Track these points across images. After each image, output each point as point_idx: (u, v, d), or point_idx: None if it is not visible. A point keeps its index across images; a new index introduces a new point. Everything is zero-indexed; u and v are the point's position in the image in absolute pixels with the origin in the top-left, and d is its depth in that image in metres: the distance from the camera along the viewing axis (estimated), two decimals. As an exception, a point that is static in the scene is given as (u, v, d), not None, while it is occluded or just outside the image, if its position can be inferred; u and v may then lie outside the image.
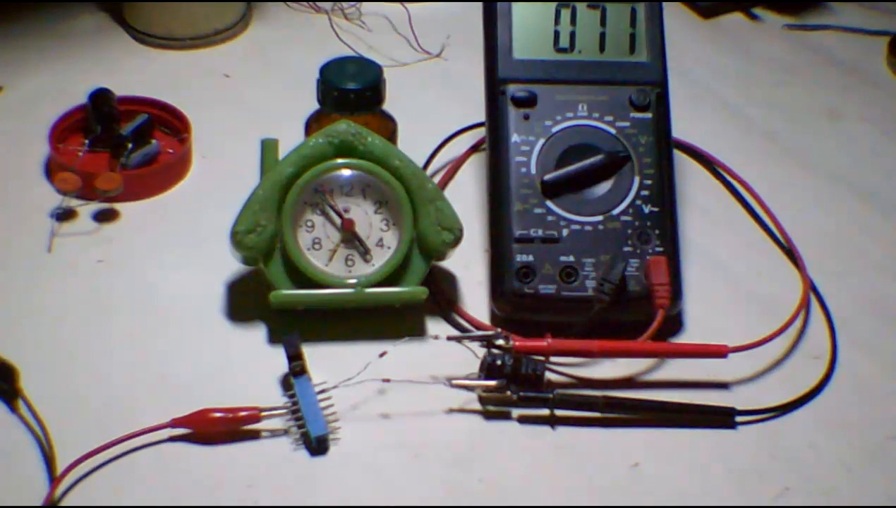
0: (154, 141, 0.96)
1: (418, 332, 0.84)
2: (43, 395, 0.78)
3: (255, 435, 0.77)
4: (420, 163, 0.90)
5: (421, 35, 1.11)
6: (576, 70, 0.90)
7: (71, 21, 1.12)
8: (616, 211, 0.86)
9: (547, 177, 0.86)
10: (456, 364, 0.81)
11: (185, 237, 0.91)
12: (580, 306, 0.83)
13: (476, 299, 0.87)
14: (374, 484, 0.75)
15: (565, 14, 0.90)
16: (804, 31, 1.18)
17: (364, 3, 1.15)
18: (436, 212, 0.84)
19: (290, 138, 0.86)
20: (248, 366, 0.82)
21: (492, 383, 0.79)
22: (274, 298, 0.82)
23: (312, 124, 0.91)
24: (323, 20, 1.13)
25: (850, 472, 0.78)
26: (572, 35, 0.90)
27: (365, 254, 0.84)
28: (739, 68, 1.13)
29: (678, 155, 0.99)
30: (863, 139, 1.05)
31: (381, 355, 0.78)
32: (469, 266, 0.89)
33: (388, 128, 0.91)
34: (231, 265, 0.85)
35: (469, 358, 0.81)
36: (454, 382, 0.79)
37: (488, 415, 0.80)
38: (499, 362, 0.79)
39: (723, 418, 0.80)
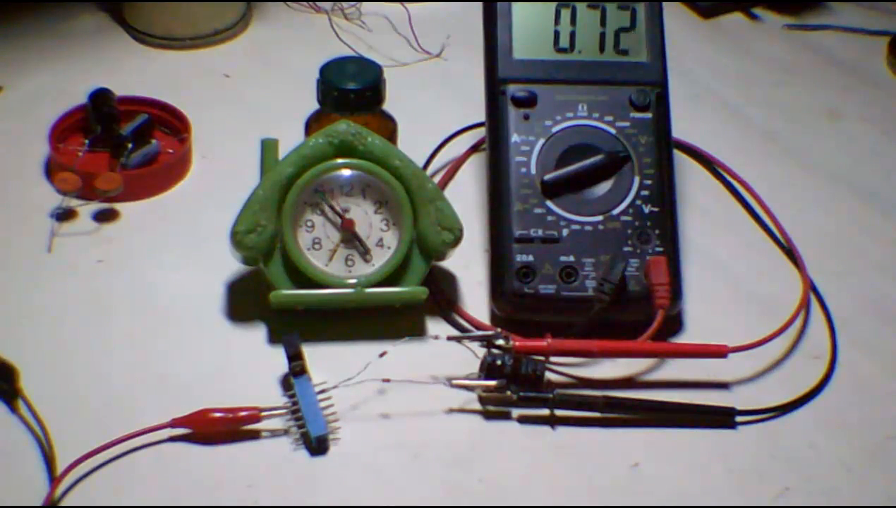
0: (154, 141, 0.96)
1: (418, 332, 0.84)
2: (43, 395, 0.78)
3: (255, 435, 0.77)
4: (420, 163, 0.90)
5: (421, 35, 1.11)
6: (576, 70, 0.90)
7: (71, 21, 1.12)
8: (616, 211, 0.86)
9: (547, 177, 0.86)
10: (456, 364, 0.81)
11: (185, 237, 0.91)
12: (580, 306, 0.83)
13: (476, 299, 0.87)
14: (374, 484, 0.75)
15: (565, 14, 0.90)
16: (804, 31, 1.18)
17: (364, 3, 1.15)
18: (436, 212, 0.84)
19: (290, 138, 0.86)
20: (248, 366, 0.82)
21: (492, 383, 0.79)
22: (274, 298, 0.82)
23: (312, 124, 0.91)
24: (323, 20, 1.13)
25: (850, 472, 0.78)
26: (572, 35, 0.90)
27: (365, 253, 0.84)
28: (739, 68, 1.13)
29: (678, 155, 0.99)
30: (863, 139, 1.05)
31: (381, 355, 0.78)
32: (469, 266, 0.89)
33: (388, 128, 0.91)
34: (231, 265, 0.85)
35: (469, 358, 0.81)
36: (454, 382, 0.79)
37: (488, 415, 0.80)
38: (499, 362, 0.79)
39: (723, 418, 0.80)
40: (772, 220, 0.95)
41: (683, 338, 0.85)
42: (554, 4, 0.90)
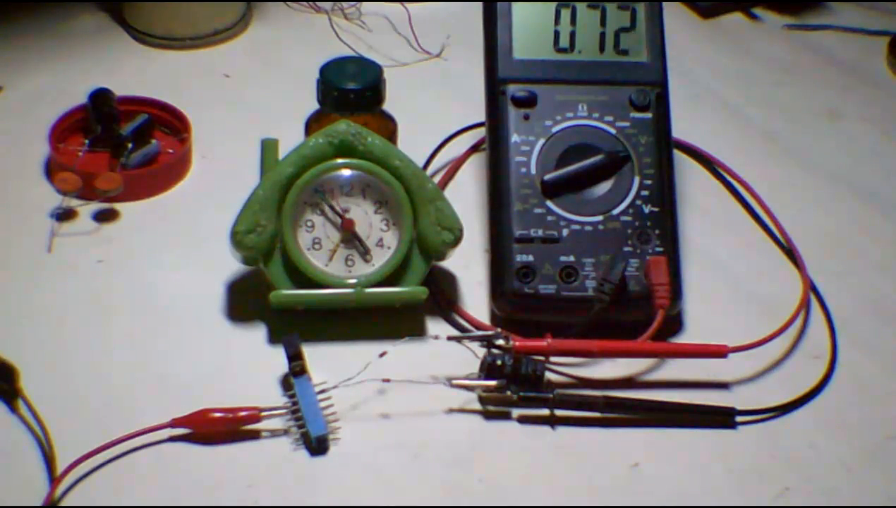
0: (154, 141, 0.96)
1: (418, 332, 0.84)
2: (43, 395, 0.78)
3: (255, 435, 0.77)
4: (420, 163, 0.90)
5: (421, 35, 1.11)
6: (576, 70, 0.90)
7: (71, 21, 1.12)
8: (616, 211, 0.86)
9: (547, 177, 0.86)
10: (456, 364, 0.81)
11: (185, 237, 0.91)
12: (580, 306, 0.83)
13: (476, 299, 0.87)
14: (374, 484, 0.75)
15: (565, 14, 0.90)
16: (804, 31, 1.18)
17: (364, 3, 1.15)
18: (436, 212, 0.84)
19: (290, 138, 0.86)
20: (248, 366, 0.82)
21: (492, 383, 0.79)
22: (274, 298, 0.82)
23: (312, 124, 0.91)
24: (323, 20, 1.13)
25: (850, 472, 0.78)
26: (572, 35, 0.90)
27: (365, 254, 0.84)
28: (739, 68, 1.13)
29: (678, 155, 0.99)
30: (863, 139, 1.05)
31: (381, 355, 0.78)
32: (469, 266, 0.89)
33: (388, 128, 0.91)
34: (231, 265, 0.85)
35: (469, 358, 0.81)
36: (454, 382, 0.79)
37: (488, 415, 0.80)
38: (499, 362, 0.79)
39: (723, 418, 0.80)
40: (772, 220, 0.95)
41: (683, 338, 0.85)
42: (554, 4, 0.90)
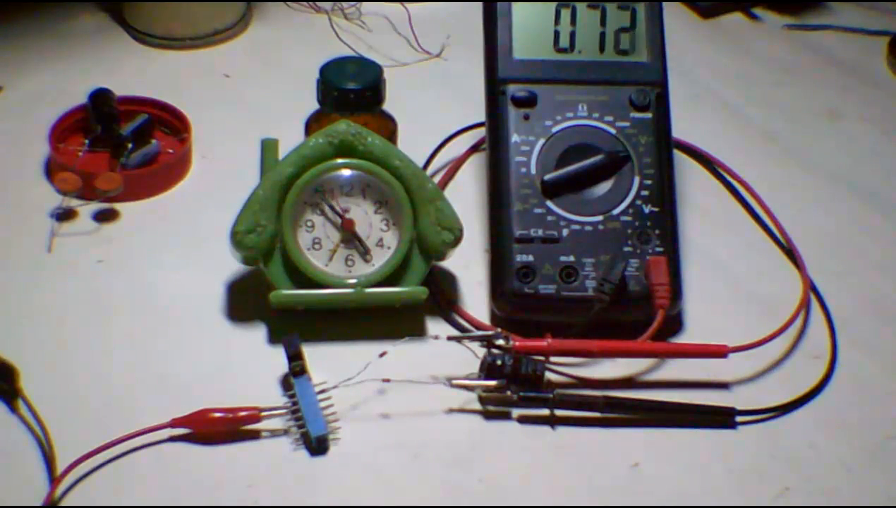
0: (154, 141, 0.96)
1: (418, 332, 0.84)
2: (43, 395, 0.78)
3: (255, 435, 0.77)
4: (420, 163, 0.90)
5: (421, 35, 1.11)
6: (576, 70, 0.90)
7: (71, 21, 1.12)
8: (616, 211, 0.86)
9: (547, 177, 0.86)
10: (456, 364, 0.81)
11: (185, 237, 0.91)
12: (580, 306, 0.83)
13: (476, 299, 0.87)
14: (374, 484, 0.75)
15: (565, 14, 0.90)
16: (804, 31, 1.18)
17: (364, 3, 1.15)
18: (436, 212, 0.84)
19: (290, 138, 0.86)
20: (248, 366, 0.82)
21: (492, 383, 0.79)
22: (274, 298, 0.82)
23: (312, 124, 0.91)
24: (323, 20, 1.13)
25: (850, 472, 0.78)
26: (572, 35, 0.90)
27: (365, 254, 0.84)
28: (739, 68, 1.13)
29: (678, 155, 0.99)
30: (863, 139, 1.05)
31: (381, 355, 0.78)
32: (469, 266, 0.89)
33: (388, 128, 0.91)
34: (231, 265, 0.85)
35: (469, 358, 0.81)
36: (454, 382, 0.79)
37: (488, 415, 0.80)
38: (499, 362, 0.79)
39: (723, 418, 0.80)
40: (772, 220, 0.95)
41: (683, 338, 0.85)
42: (554, 4, 0.90)
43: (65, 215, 0.91)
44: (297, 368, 0.78)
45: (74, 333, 0.83)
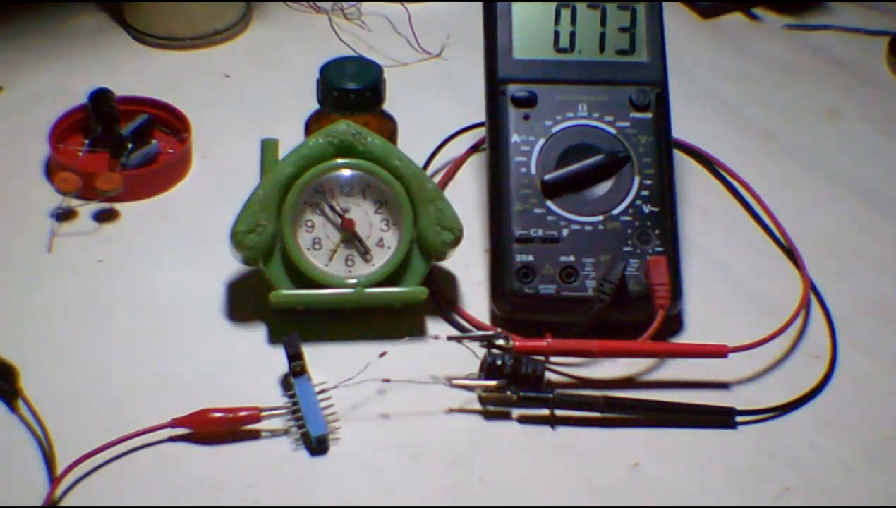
0: (154, 141, 0.96)
1: (418, 332, 0.84)
2: (43, 395, 0.78)
3: (255, 435, 0.77)
4: (420, 163, 0.90)
5: (421, 35, 1.11)
6: (576, 70, 0.90)
7: (71, 21, 1.12)
8: (616, 211, 0.86)
9: (547, 177, 0.86)
10: (456, 364, 0.81)
11: (185, 237, 0.91)
12: (580, 306, 0.83)
13: (476, 299, 0.87)
14: (374, 484, 0.75)
15: (565, 14, 0.90)
16: (804, 31, 1.18)
17: (364, 3, 1.15)
18: (436, 212, 0.84)
19: (290, 138, 0.86)
20: (248, 366, 0.82)
21: (492, 383, 0.79)
22: (274, 298, 0.82)
23: (312, 124, 0.91)
24: (323, 20, 1.13)
25: (850, 472, 0.78)
26: (572, 35, 0.90)
27: (365, 254, 0.84)
28: (739, 68, 1.13)
29: (678, 155, 0.99)
30: (863, 139, 1.05)
31: (381, 355, 0.78)
32: (469, 266, 0.89)
33: (388, 128, 0.91)
34: (231, 265, 0.85)
35: (469, 358, 0.81)
36: (454, 382, 0.79)
37: (488, 415, 0.80)
38: (499, 362, 0.79)
39: (723, 418, 0.80)
40: (772, 220, 0.95)
41: (683, 338, 0.85)
42: (554, 4, 0.90)
43: (65, 215, 0.91)
44: (297, 368, 0.78)
45: (74, 333, 0.83)
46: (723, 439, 0.79)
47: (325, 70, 0.89)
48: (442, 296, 0.87)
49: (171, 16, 1.09)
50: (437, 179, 0.95)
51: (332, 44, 1.09)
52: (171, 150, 0.97)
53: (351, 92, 0.88)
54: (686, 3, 1.20)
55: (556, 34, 0.90)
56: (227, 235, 0.82)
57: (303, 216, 0.83)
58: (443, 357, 0.81)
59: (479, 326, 0.85)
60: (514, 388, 0.79)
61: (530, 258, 0.84)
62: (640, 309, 0.83)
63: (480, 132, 0.98)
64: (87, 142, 0.96)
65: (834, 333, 0.86)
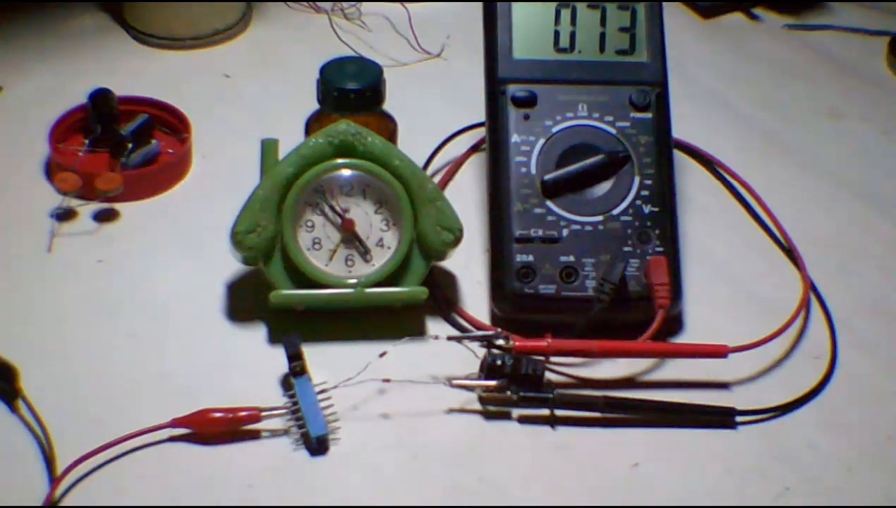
0: (154, 141, 0.96)
1: (418, 332, 0.84)
2: (43, 395, 0.78)
3: (255, 435, 0.77)
4: (420, 163, 0.90)
5: (421, 35, 1.11)
6: (576, 70, 0.90)
7: (71, 21, 1.12)
8: (616, 211, 0.86)
9: (547, 177, 0.86)
10: (456, 364, 0.81)
11: (185, 237, 0.91)
12: (580, 306, 0.83)
13: (476, 299, 0.87)
14: (374, 484, 0.75)
15: (565, 14, 0.90)
16: (804, 31, 1.18)
17: (364, 3, 1.15)
18: (436, 212, 0.84)
19: (290, 138, 0.86)
20: (248, 366, 0.82)
21: (492, 383, 0.79)
22: (274, 298, 0.82)
23: (312, 124, 0.91)
24: (323, 20, 1.13)
25: (850, 472, 0.78)
26: (572, 35, 0.90)
27: (365, 254, 0.84)
28: (739, 68, 1.13)
29: (678, 155, 0.99)
30: (863, 139, 1.05)
31: (381, 355, 0.78)
32: (469, 266, 0.89)
33: (388, 128, 0.91)
34: (231, 265, 0.85)
35: (469, 358, 0.81)
36: (454, 382, 0.79)
37: (488, 415, 0.80)
38: (499, 362, 0.79)
39: (723, 418, 0.80)
40: (772, 220, 0.95)
41: (683, 338, 0.85)
42: (554, 4, 0.90)
43: (65, 215, 0.91)
44: (297, 368, 0.78)
45: (74, 333, 0.83)
46: (723, 439, 0.79)
47: (325, 70, 0.89)
48: (442, 296, 0.87)
49: (171, 16, 1.09)
50: (437, 179, 0.95)
51: (332, 44, 1.09)
52: (171, 150, 0.97)
53: (351, 92, 0.88)
54: (686, 3, 1.20)
55: (556, 34, 0.90)
56: (227, 235, 0.82)
57: (303, 216, 0.83)
58: (443, 357, 0.81)
59: (479, 326, 0.85)
60: (514, 388, 0.79)
61: (530, 258, 0.84)
62: (641, 309, 0.83)
63: (480, 132, 0.98)
64: (87, 142, 0.96)
65: (834, 333, 0.86)
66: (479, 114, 0.91)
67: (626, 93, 0.89)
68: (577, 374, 0.83)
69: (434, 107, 1.04)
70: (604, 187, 0.87)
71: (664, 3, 0.92)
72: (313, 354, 0.79)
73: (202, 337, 0.83)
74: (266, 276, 0.83)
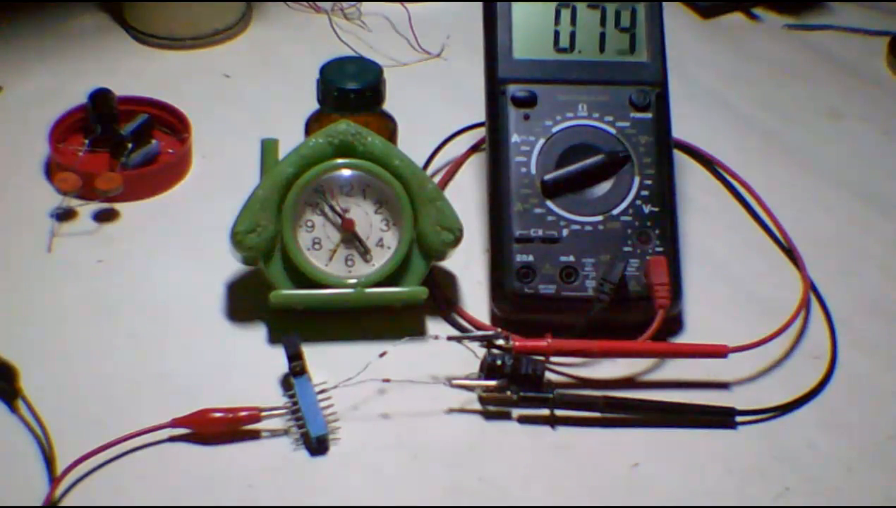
0: (154, 141, 0.96)
1: (418, 332, 0.84)
2: (43, 395, 0.78)
3: (255, 435, 0.77)
4: (420, 163, 0.90)
5: (421, 35, 1.11)
6: (576, 70, 0.90)
7: (71, 21, 1.12)
8: (616, 211, 0.86)
9: (547, 177, 0.86)
10: (456, 364, 0.81)
11: (185, 237, 0.91)
12: (580, 306, 0.83)
13: (476, 299, 0.87)
14: (374, 484, 0.75)
15: (565, 14, 0.90)
16: (804, 31, 1.18)
17: (364, 3, 1.15)
18: (436, 212, 0.84)
19: (290, 138, 0.86)
20: (248, 366, 0.82)
21: (492, 383, 0.79)
22: (274, 298, 0.82)
23: (312, 124, 0.91)
24: (323, 20, 1.13)
25: (850, 472, 0.78)
26: (572, 35, 0.90)
27: (365, 254, 0.84)
28: (739, 68, 1.13)
29: (678, 155, 0.99)
30: (863, 139, 1.05)
31: (381, 355, 0.78)
32: (469, 266, 0.89)
33: (388, 128, 0.91)
34: (231, 265, 0.85)
35: (469, 358, 0.81)
36: (454, 382, 0.79)
37: (488, 415, 0.80)
38: (499, 362, 0.79)
39: (723, 418, 0.80)
40: (772, 220, 0.95)
41: (683, 338, 0.85)
42: (554, 4, 0.90)
43: (65, 215, 0.91)
44: (297, 368, 0.78)
45: (74, 333, 0.83)
46: (723, 439, 0.79)
47: (325, 70, 0.89)
48: (442, 296, 0.87)
49: (171, 16, 1.09)
50: (437, 179, 0.95)
51: (332, 44, 1.09)
52: (171, 150, 0.97)
53: (351, 92, 0.88)
54: (686, 3, 1.20)
55: (556, 34, 0.90)
56: (227, 235, 0.82)
57: (303, 216, 0.83)
58: (443, 357, 0.81)
59: (479, 326, 0.85)
60: (514, 388, 0.79)
61: (530, 258, 0.84)
62: (641, 309, 0.83)
63: (480, 132, 0.98)
64: (87, 142, 0.96)
65: (834, 333, 0.86)
66: (479, 114, 0.91)
67: (626, 94, 0.89)
68: (577, 374, 0.83)
69: (434, 107, 1.04)
70: (604, 187, 0.87)
71: (664, 3, 0.92)
72: (313, 354, 0.79)
73: (202, 337, 0.83)
74: (266, 276, 0.83)
